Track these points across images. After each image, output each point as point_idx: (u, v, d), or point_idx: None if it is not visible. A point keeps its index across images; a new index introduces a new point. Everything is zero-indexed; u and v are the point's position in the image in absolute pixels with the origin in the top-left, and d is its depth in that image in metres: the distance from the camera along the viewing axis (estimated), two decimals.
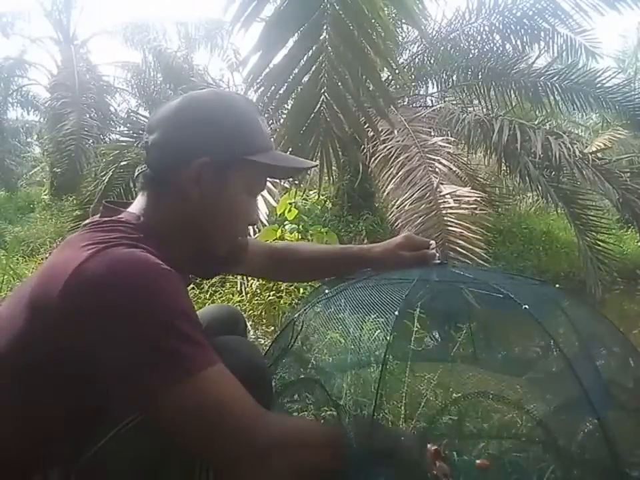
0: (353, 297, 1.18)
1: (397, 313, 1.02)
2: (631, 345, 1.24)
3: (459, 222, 3.74)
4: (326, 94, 2.09)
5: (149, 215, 0.92)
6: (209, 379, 0.76)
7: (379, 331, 1.12)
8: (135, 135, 5.74)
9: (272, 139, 1.02)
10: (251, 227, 1.13)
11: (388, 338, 1.05)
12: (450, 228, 3.74)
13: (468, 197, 3.91)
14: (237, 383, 0.80)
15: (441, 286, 1.19)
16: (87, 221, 0.93)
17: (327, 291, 1.34)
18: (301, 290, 4.16)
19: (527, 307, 1.01)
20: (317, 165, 1.06)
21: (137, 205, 0.94)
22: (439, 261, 1.23)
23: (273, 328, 3.99)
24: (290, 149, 2.25)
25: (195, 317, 0.81)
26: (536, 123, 5.95)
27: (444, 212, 3.84)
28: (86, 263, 0.76)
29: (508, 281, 1.25)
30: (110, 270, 0.75)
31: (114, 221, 0.88)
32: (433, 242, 1.29)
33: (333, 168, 2.50)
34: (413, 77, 6.84)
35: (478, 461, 1.26)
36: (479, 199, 3.97)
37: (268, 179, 1.04)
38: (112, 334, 0.75)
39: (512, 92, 6.13)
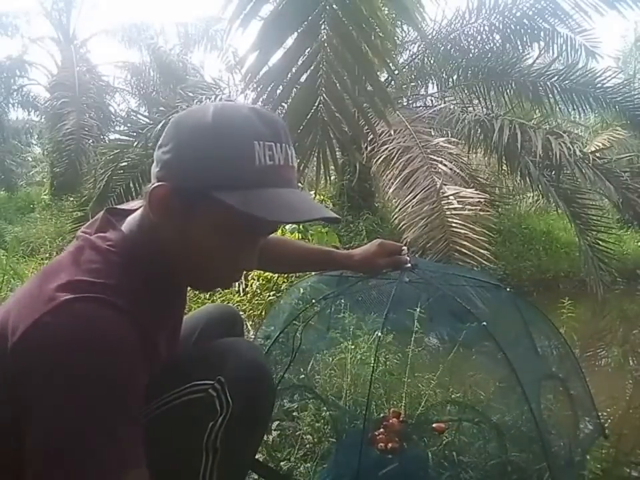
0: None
1: None
2: (559, 334, 1.59)
3: (463, 223, 3.74)
4: (324, 94, 2.09)
5: (138, 237, 0.87)
6: None
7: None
8: (134, 134, 5.73)
9: (279, 173, 0.81)
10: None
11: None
12: (454, 229, 3.74)
13: (471, 197, 3.91)
14: None
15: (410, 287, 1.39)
16: (79, 232, 0.90)
17: (314, 301, 1.57)
18: (301, 290, 4.15)
19: (484, 323, 1.25)
20: (317, 218, 0.88)
21: (133, 219, 0.90)
22: (409, 265, 1.37)
23: (273, 328, 3.98)
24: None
25: (130, 407, 0.73)
26: (534, 120, 5.96)
27: (448, 213, 3.85)
28: (41, 323, 0.71)
29: (469, 285, 1.47)
30: (57, 340, 0.70)
31: (97, 249, 0.84)
32: (405, 247, 1.41)
33: (331, 168, 2.50)
34: (413, 77, 6.84)
35: (435, 425, 1.50)
36: (482, 199, 3.97)
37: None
38: (40, 403, 0.69)
39: (512, 92, 6.13)
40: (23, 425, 0.69)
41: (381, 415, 1.58)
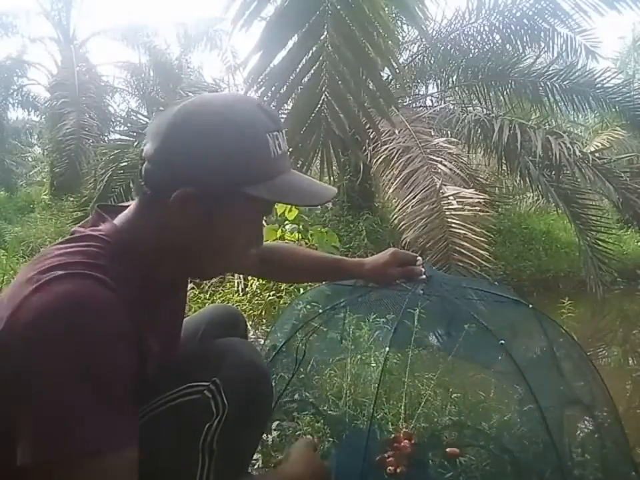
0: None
1: None
2: (583, 353, 1.51)
3: (463, 224, 3.75)
4: (327, 93, 2.09)
5: (132, 230, 0.86)
6: (96, 467, 0.69)
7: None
8: (134, 134, 5.74)
9: (285, 159, 0.90)
10: None
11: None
12: (453, 229, 3.75)
13: (471, 198, 3.91)
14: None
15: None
16: (73, 229, 0.90)
17: (321, 312, 1.52)
18: (301, 290, 4.16)
19: (502, 342, 1.20)
20: (333, 197, 0.95)
21: (126, 215, 0.89)
22: (424, 277, 1.32)
23: (278, 336, 3.99)
24: (293, 152, 2.25)
25: (120, 380, 0.73)
26: (532, 119, 5.96)
27: (447, 214, 3.85)
28: (27, 300, 0.72)
29: (487, 302, 1.41)
30: (42, 314, 0.71)
31: (89, 236, 0.84)
32: (419, 258, 1.37)
33: (334, 167, 2.50)
34: (413, 76, 6.85)
35: (448, 450, 1.40)
36: (481, 200, 3.98)
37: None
38: (29, 378, 0.70)
39: (512, 92, 6.13)
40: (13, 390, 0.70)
41: (392, 436, 1.50)
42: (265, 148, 0.83)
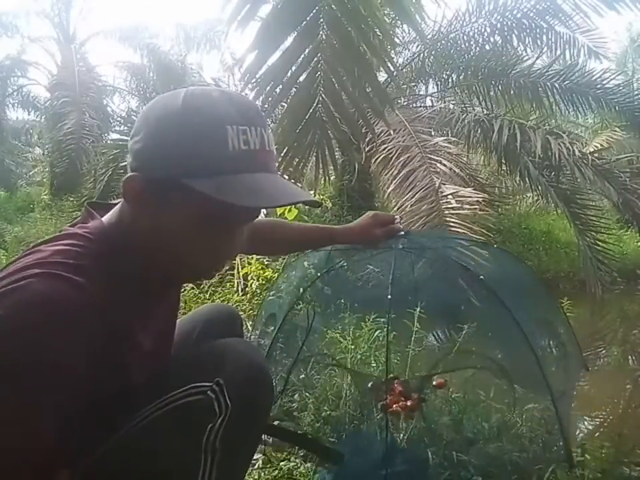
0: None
1: None
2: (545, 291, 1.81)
3: (462, 223, 3.75)
4: (322, 93, 2.10)
5: (116, 227, 0.86)
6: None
7: None
8: None
9: (254, 157, 0.80)
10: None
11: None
12: (452, 229, 3.75)
13: (470, 197, 3.92)
14: None
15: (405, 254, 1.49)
16: (64, 227, 0.90)
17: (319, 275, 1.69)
18: (300, 289, 4.14)
19: (482, 277, 1.35)
20: (296, 202, 0.88)
21: (114, 212, 0.89)
22: (402, 233, 1.44)
23: (272, 328, 3.98)
24: (288, 151, 2.24)
25: (64, 391, 0.72)
26: (532, 119, 5.96)
27: (446, 212, 3.85)
28: (2, 299, 0.71)
29: (459, 246, 1.61)
30: (6, 313, 0.70)
31: (74, 235, 0.84)
32: (397, 217, 1.45)
33: (330, 168, 2.50)
34: (413, 76, 6.85)
35: (435, 383, 1.66)
36: (480, 199, 3.98)
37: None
38: None
39: (512, 92, 6.13)
40: None
41: (383, 379, 1.71)
42: (220, 140, 0.76)
